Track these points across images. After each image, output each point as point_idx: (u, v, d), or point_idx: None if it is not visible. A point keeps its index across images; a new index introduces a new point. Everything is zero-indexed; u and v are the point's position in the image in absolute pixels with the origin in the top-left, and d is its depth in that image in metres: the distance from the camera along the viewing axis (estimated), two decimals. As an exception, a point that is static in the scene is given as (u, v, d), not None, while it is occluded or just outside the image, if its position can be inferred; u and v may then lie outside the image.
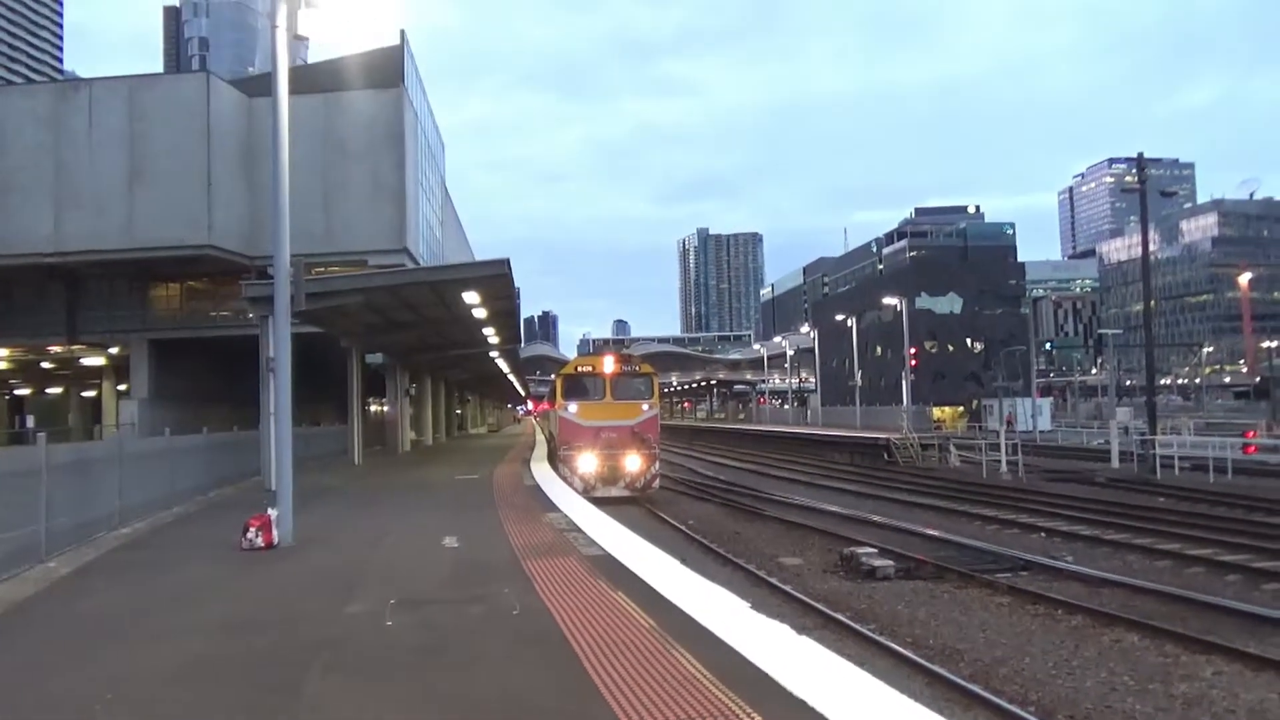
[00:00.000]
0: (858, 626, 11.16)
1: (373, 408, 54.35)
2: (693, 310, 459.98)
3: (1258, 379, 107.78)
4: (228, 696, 6.10)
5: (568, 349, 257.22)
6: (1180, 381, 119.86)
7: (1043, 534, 18.80)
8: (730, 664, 6.34)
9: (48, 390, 62.10)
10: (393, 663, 6.78)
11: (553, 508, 16.76)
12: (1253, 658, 9.50)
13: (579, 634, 7.37)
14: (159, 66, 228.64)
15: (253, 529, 12.25)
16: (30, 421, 54.20)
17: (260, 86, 40.67)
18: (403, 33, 44.09)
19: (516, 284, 30.19)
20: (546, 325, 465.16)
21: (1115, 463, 32.55)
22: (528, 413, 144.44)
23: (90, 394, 59.70)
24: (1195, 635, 10.34)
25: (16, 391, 61.89)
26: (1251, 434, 36.00)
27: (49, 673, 6.78)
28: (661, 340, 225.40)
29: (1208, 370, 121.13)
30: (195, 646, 7.36)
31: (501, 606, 8.53)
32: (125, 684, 6.41)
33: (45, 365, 53.27)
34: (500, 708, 5.71)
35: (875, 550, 15.92)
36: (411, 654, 7.02)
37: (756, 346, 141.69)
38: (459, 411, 78.73)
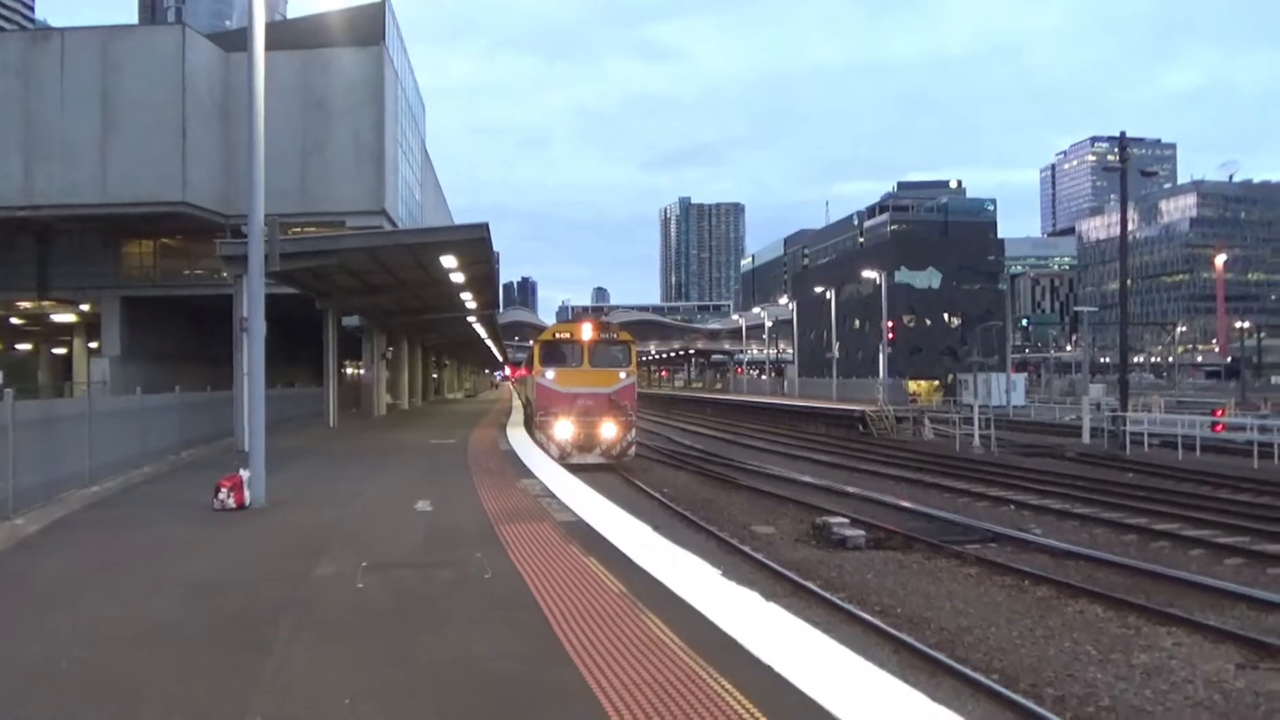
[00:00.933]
0: (827, 595, 11.27)
1: (349, 370, 54.04)
2: (673, 279, 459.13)
3: (1229, 359, 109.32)
4: (195, 656, 6.08)
5: (547, 315, 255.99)
6: (1153, 360, 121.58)
7: (1012, 507, 19.02)
8: (699, 629, 6.39)
9: (17, 347, 61.20)
10: (362, 625, 6.78)
11: (528, 473, 16.77)
12: (1212, 630, 9.69)
13: (550, 599, 7.39)
14: (134, 18, 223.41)
15: (224, 489, 12.18)
16: (-1, 378, 53.49)
17: (237, 41, 39.78)
18: (384, -11, 43.33)
19: (496, 249, 29.96)
20: (526, 291, 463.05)
21: (1086, 438, 32.96)
22: (505, 378, 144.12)
23: (61, 351, 58.92)
24: (1158, 607, 10.53)
25: (-16, 348, 60.99)
26: (1220, 413, 36.46)
27: (13, 631, 6.73)
28: (641, 308, 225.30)
29: (1181, 349, 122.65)
30: (163, 606, 7.33)
31: (473, 571, 8.54)
32: (91, 643, 6.37)
33: (14, 321, 52.38)
34: (468, 670, 5.72)
35: (847, 520, 16.07)
36: (381, 617, 7.03)
37: (735, 317, 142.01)
38: (436, 376, 78.42)
